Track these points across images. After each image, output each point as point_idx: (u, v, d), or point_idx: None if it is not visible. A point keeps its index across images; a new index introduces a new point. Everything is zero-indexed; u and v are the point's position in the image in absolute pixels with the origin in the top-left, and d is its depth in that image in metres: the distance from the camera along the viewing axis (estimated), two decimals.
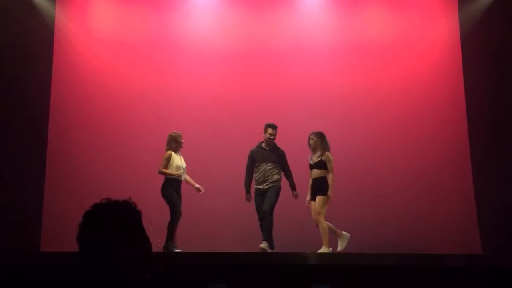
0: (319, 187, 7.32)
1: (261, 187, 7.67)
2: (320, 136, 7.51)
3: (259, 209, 7.61)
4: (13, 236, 7.60)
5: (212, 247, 7.61)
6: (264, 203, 7.53)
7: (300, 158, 7.84)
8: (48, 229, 8.44)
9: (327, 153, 7.41)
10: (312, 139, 7.49)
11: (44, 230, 8.47)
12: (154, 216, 7.65)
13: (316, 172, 7.41)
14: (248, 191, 7.82)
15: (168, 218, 7.89)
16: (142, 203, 2.05)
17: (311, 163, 7.47)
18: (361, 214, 8.59)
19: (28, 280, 4.41)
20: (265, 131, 7.77)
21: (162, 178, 8.04)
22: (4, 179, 8.02)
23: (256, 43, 9.47)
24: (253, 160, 7.80)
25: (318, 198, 7.25)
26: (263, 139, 7.84)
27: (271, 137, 7.74)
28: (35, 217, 8.42)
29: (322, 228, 7.16)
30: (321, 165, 7.38)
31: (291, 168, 7.87)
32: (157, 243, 7.68)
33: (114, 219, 1.92)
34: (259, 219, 7.55)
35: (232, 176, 8.32)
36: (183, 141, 7.80)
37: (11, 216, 7.79)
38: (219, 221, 8.51)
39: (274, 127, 7.76)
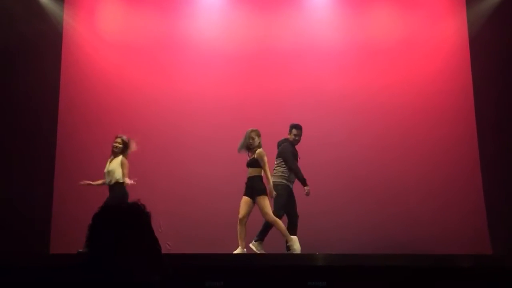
0: (254, 187, 7.04)
1: (291, 186, 7.52)
2: (259, 135, 7.22)
3: (295, 209, 7.44)
4: (22, 238, 7.63)
5: (219, 249, 7.60)
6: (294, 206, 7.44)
7: (306, 159, 7.80)
8: (57, 231, 8.47)
9: (258, 150, 7.08)
10: (253, 139, 7.13)
11: (53, 232, 8.50)
12: (163, 218, 7.68)
13: (250, 171, 7.14)
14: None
15: (176, 219, 7.91)
16: (151, 205, 2.06)
17: (248, 160, 7.20)
18: (370, 215, 8.57)
19: (37, 281, 4.43)
20: (291, 131, 7.65)
21: (170, 180, 8.09)
22: (13, 181, 8.06)
23: (262, 44, 9.46)
24: (295, 156, 7.58)
25: (259, 199, 6.97)
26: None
27: (297, 138, 7.66)
28: (44, 219, 8.46)
29: (278, 227, 7.04)
30: (254, 163, 7.10)
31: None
32: (166, 245, 7.70)
33: (123, 221, 1.92)
34: (296, 221, 7.38)
35: (238, 178, 8.29)
36: (114, 144, 7.46)
37: (21, 218, 7.83)
38: (223, 223, 8.44)
39: (300, 127, 7.68)
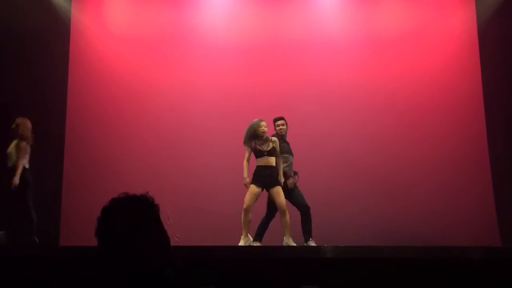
0: (275, 176, 7.02)
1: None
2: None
3: (303, 201, 7.30)
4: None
5: (228, 241, 7.61)
6: (303, 198, 7.33)
7: (313, 151, 7.79)
8: (67, 224, 8.52)
9: (274, 138, 7.15)
10: (266, 127, 7.12)
11: (62, 225, 8.55)
12: (171, 210, 7.70)
13: (269, 160, 7.04)
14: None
15: (186, 212, 7.92)
16: (159, 197, 2.07)
17: (265, 149, 7.06)
18: (377, 207, 8.57)
19: (47, 274, 4.46)
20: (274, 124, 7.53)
21: (180, 173, 8.10)
22: None
23: (270, 36, 9.43)
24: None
25: (278, 188, 6.97)
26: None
27: (280, 128, 7.51)
28: (54, 211, 8.49)
29: (286, 218, 6.95)
30: (273, 152, 7.08)
31: (305, 160, 7.81)
32: (175, 237, 7.73)
33: (132, 214, 1.93)
34: (308, 212, 7.24)
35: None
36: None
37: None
38: (233, 215, 8.41)
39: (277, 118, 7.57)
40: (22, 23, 8.28)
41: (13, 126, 7.35)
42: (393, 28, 9.40)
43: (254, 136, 7.12)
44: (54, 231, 8.43)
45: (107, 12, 9.51)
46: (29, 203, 7.25)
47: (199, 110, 9.12)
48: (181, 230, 7.78)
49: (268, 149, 7.07)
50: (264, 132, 7.12)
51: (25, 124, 7.40)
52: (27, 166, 7.30)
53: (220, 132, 8.97)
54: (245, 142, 7.14)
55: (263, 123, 7.15)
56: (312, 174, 7.60)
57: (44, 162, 8.42)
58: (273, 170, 7.05)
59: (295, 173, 7.37)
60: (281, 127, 7.46)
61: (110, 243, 1.90)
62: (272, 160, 7.06)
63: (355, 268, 4.91)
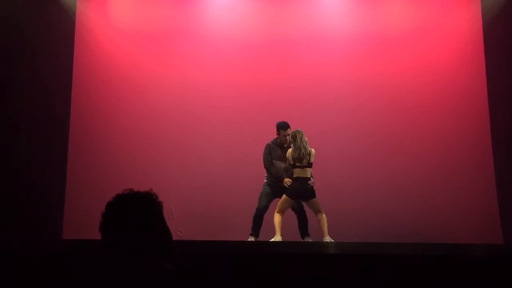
0: (311, 188, 7.21)
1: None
2: None
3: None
4: (35, 224, 7.71)
5: (231, 236, 7.63)
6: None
7: (316, 148, 7.78)
8: (70, 217, 8.54)
9: (312, 149, 7.30)
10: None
11: (66, 218, 8.57)
12: (174, 205, 7.72)
13: (307, 172, 7.20)
14: None
15: (188, 207, 7.92)
16: (162, 192, 2.08)
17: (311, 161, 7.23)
18: (380, 204, 8.56)
19: (50, 267, 4.48)
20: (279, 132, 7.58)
21: (184, 168, 8.11)
22: (26, 169, 8.11)
23: (273, 32, 9.38)
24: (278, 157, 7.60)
25: (316, 199, 7.17)
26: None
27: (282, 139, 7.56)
28: (57, 204, 8.52)
29: (325, 221, 7.16)
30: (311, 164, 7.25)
31: None
32: (178, 231, 7.75)
33: (136, 210, 1.95)
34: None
35: (250, 165, 8.29)
36: None
37: (34, 203, 7.90)
38: (236, 210, 8.44)
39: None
40: (27, 17, 8.28)
41: None
42: (397, 25, 9.35)
43: None
44: (58, 224, 8.46)
45: (112, 6, 9.49)
46: None
47: (203, 106, 9.11)
48: (184, 224, 7.80)
49: (306, 161, 7.21)
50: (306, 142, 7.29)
51: None
52: None
53: (223, 128, 8.98)
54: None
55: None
56: (315, 171, 7.58)
57: (48, 156, 8.45)
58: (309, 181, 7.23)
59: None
60: (287, 137, 7.47)
61: (114, 237, 1.92)
62: (308, 172, 7.22)
63: (357, 264, 4.92)
